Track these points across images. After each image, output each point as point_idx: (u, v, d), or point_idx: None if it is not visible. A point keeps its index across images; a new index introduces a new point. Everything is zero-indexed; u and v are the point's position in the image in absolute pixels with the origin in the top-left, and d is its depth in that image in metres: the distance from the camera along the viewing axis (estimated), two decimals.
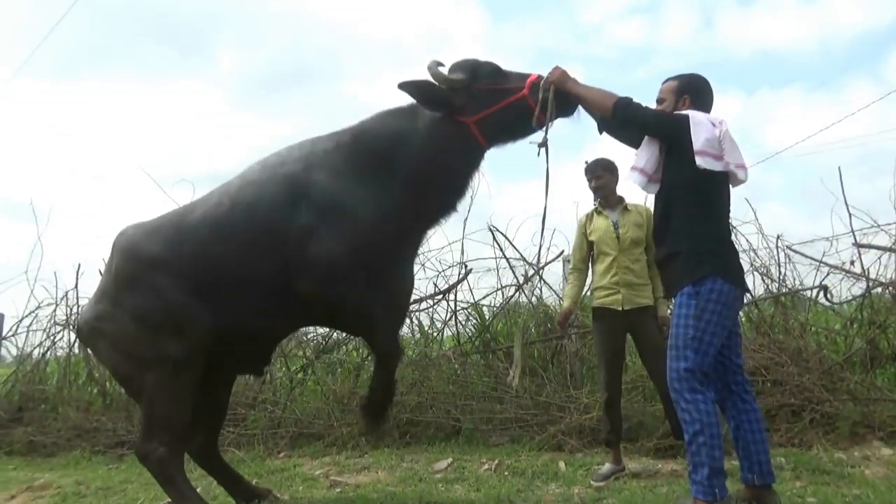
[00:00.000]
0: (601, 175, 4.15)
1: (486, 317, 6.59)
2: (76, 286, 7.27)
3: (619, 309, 3.99)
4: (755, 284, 5.83)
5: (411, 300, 3.72)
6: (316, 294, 3.08)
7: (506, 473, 4.27)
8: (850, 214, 5.33)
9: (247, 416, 5.85)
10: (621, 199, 4.20)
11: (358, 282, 3.06)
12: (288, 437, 5.58)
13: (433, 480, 4.24)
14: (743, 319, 5.66)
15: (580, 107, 3.18)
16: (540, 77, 3.08)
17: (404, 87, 3.03)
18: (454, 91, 3.07)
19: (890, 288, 5.35)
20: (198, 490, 3.38)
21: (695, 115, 3.03)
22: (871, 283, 5.39)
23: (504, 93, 3.08)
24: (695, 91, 3.20)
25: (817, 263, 5.60)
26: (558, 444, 4.84)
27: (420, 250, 3.57)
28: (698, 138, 2.94)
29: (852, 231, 5.33)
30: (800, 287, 5.79)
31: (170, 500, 3.26)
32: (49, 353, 7.50)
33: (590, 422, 4.82)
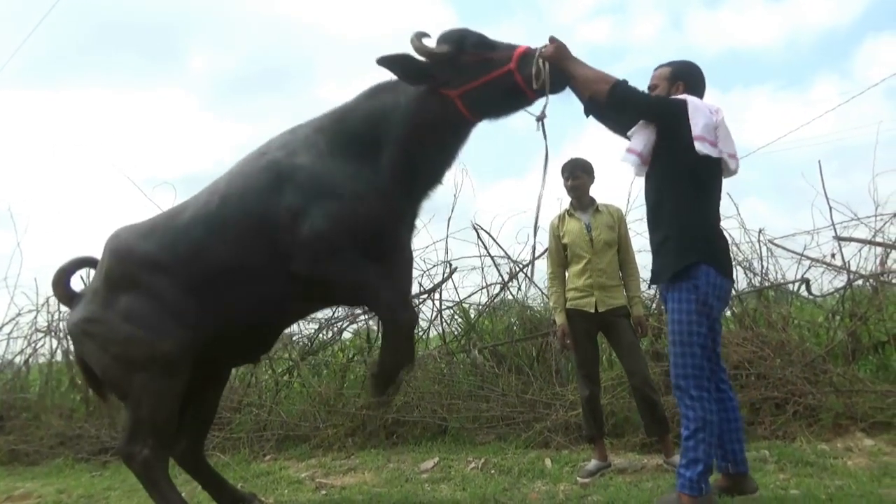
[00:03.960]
0: (578, 176, 4.15)
1: (472, 315, 6.58)
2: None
3: (593, 311, 4.00)
4: (738, 278, 5.86)
5: (412, 271, 3.62)
6: (310, 272, 3.03)
7: (492, 472, 4.27)
8: (830, 208, 5.39)
9: (232, 419, 5.80)
10: (593, 201, 4.20)
11: (348, 255, 3.00)
12: (274, 439, 5.54)
13: (419, 480, 4.24)
14: (727, 314, 5.69)
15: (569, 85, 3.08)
16: (529, 49, 2.94)
17: (382, 61, 2.93)
18: (437, 64, 2.94)
19: (871, 280, 5.40)
20: (182, 495, 3.35)
21: (693, 101, 2.99)
22: (851, 276, 5.44)
23: (489, 64, 2.93)
24: (689, 77, 3.17)
25: (799, 257, 5.65)
26: (545, 442, 4.85)
27: (416, 224, 3.49)
28: (697, 123, 2.91)
29: (833, 224, 5.38)
30: (782, 280, 5.83)
31: None
32: (31, 360, 7.41)
33: (576, 418, 4.82)
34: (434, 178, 3.24)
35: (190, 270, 3.16)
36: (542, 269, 5.68)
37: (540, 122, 3.06)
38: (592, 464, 4.04)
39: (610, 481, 3.82)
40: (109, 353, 3.25)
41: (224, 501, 3.62)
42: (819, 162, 5.46)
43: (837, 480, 3.46)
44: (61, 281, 3.55)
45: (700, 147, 2.88)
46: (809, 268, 5.64)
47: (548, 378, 5.49)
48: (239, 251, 3.11)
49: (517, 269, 6.30)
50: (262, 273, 3.11)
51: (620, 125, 3.20)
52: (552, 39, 2.95)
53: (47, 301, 7.24)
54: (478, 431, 5.17)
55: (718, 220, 3.17)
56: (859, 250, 5.51)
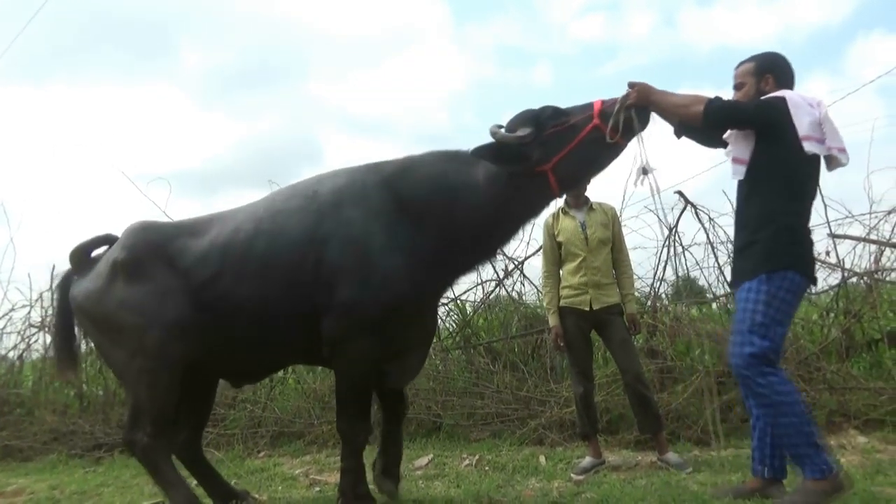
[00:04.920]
0: None
1: (467, 312, 6.57)
2: (51, 287, 7.14)
3: (587, 309, 4.00)
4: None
5: (430, 342, 3.60)
6: (336, 339, 3.02)
7: (486, 469, 4.27)
8: (825, 205, 5.37)
9: (226, 415, 5.80)
10: (587, 199, 4.20)
11: (369, 337, 2.99)
12: (268, 436, 5.54)
13: (413, 477, 4.23)
14: (724, 312, 5.71)
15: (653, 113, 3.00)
16: (605, 102, 2.92)
17: (480, 153, 2.92)
18: (526, 146, 2.90)
19: (865, 278, 5.41)
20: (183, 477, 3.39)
21: (792, 98, 2.88)
22: (846, 273, 5.44)
23: (573, 129, 2.90)
24: (776, 69, 3.05)
25: None
26: (539, 439, 4.86)
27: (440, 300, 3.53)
28: (802, 123, 2.81)
29: (827, 222, 5.38)
30: None
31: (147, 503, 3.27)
32: (24, 355, 7.37)
33: (570, 415, 4.82)
34: (487, 255, 3.24)
35: (202, 290, 3.16)
36: (536, 265, 5.68)
37: (645, 176, 3.04)
38: (586, 461, 4.05)
39: (604, 478, 3.82)
40: (106, 336, 3.34)
41: (217, 497, 3.61)
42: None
43: None
44: (79, 253, 3.54)
45: (809, 147, 2.80)
46: None
47: (542, 375, 5.50)
48: (256, 289, 3.09)
49: (512, 265, 6.30)
50: (275, 317, 3.09)
51: (715, 139, 3.13)
52: (632, 84, 2.91)
53: (41, 296, 7.21)
54: (472, 428, 5.18)
55: (809, 219, 3.05)
56: (854, 248, 5.52)
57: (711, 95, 2.95)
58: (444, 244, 3.00)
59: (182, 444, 3.60)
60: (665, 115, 3.04)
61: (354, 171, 3.22)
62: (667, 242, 5.81)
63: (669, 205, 5.76)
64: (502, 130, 2.94)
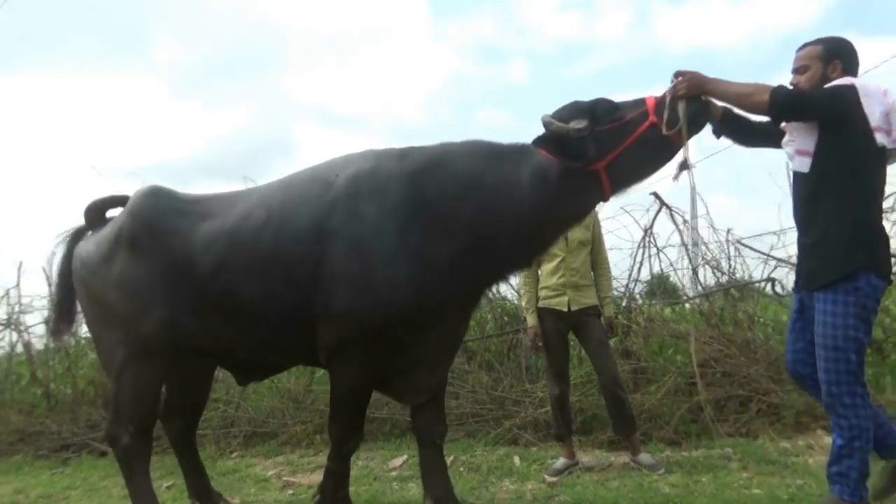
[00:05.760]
0: None
1: None
2: (17, 284, 6.99)
3: (565, 310, 4.02)
4: (706, 277, 5.95)
5: (450, 358, 3.27)
6: (328, 346, 2.84)
7: (461, 469, 4.27)
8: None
9: None
10: None
11: (365, 350, 2.79)
12: (241, 436, 5.48)
13: (388, 478, 4.22)
14: (696, 312, 5.78)
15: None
16: (658, 97, 2.69)
17: (541, 143, 2.64)
18: (583, 140, 2.61)
19: None
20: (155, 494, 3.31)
21: (862, 86, 2.66)
22: None
23: (629, 126, 2.64)
24: (845, 54, 2.80)
25: (765, 257, 5.73)
26: (514, 439, 4.87)
27: (473, 315, 3.23)
28: (873, 113, 2.61)
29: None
30: (749, 280, 5.92)
31: None
32: None
33: (545, 415, 4.84)
34: (524, 262, 3.01)
35: (205, 279, 2.94)
36: None
37: (684, 171, 2.79)
38: (560, 462, 4.07)
39: (577, 480, 3.84)
40: (95, 311, 3.22)
41: (193, 493, 3.58)
42: (787, 163, 5.51)
43: (798, 479, 3.53)
44: (94, 210, 3.41)
45: (880, 139, 2.61)
46: (776, 267, 5.72)
47: (518, 375, 5.51)
48: (260, 285, 2.87)
49: None
50: (277, 318, 2.88)
51: (758, 139, 2.99)
52: (679, 73, 2.69)
53: (7, 293, 7.06)
54: (447, 428, 5.16)
55: (881, 215, 2.84)
56: None
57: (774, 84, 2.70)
58: (470, 251, 2.72)
59: (176, 434, 3.55)
60: (719, 108, 2.81)
61: (381, 156, 2.90)
62: (642, 244, 5.86)
63: (644, 206, 5.81)
64: (553, 120, 2.65)
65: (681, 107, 2.61)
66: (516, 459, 4.39)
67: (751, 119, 2.89)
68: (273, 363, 3.34)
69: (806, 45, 2.85)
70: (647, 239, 5.86)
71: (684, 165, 2.75)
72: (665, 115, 2.61)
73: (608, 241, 4.57)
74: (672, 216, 5.77)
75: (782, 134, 2.85)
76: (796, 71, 2.85)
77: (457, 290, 2.82)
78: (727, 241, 5.87)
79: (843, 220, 2.66)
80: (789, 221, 5.55)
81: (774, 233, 5.62)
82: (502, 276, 3.05)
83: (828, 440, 4.37)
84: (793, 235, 5.54)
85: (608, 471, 4.03)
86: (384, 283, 2.67)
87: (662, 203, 5.76)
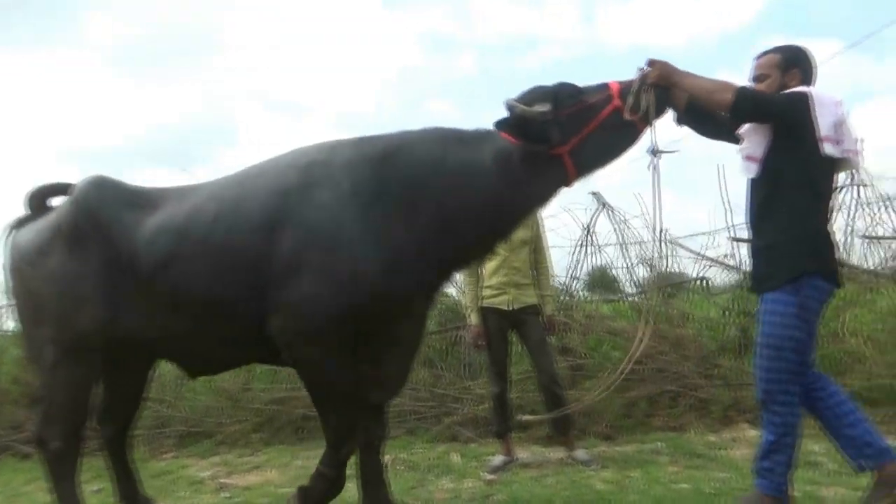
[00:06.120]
0: None
1: None
2: None
3: (507, 309, 4.07)
4: (642, 276, 6.12)
5: (417, 348, 3.12)
6: (285, 344, 2.69)
7: (400, 468, 4.27)
8: (728, 210, 5.68)
9: None
10: None
11: (332, 343, 2.66)
12: (175, 436, 5.36)
13: None
14: (632, 311, 5.94)
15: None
16: (623, 82, 2.69)
17: (503, 127, 2.61)
18: (546, 124, 2.59)
19: None
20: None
21: (817, 95, 2.71)
22: (745, 275, 5.78)
23: (592, 109, 2.64)
24: (803, 64, 2.86)
25: (698, 256, 5.94)
26: (453, 435, 4.93)
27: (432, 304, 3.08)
28: (824, 122, 2.66)
29: (729, 226, 5.69)
30: (683, 279, 6.13)
31: None
32: None
33: (484, 412, 4.90)
34: (487, 248, 2.91)
35: (151, 276, 2.81)
36: None
37: (655, 157, 2.80)
38: (498, 459, 4.13)
39: (514, 477, 3.91)
40: (27, 304, 3.08)
41: (124, 495, 3.45)
42: (719, 166, 5.74)
43: (723, 473, 3.68)
44: (36, 197, 3.24)
45: (828, 149, 2.67)
46: (708, 267, 5.95)
47: (458, 371, 5.56)
48: (211, 280, 2.75)
49: None
50: (231, 314, 2.76)
51: (722, 131, 2.98)
52: (652, 62, 2.72)
53: None
54: (387, 426, 5.16)
55: (829, 222, 2.91)
56: None
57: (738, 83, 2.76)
58: (436, 236, 2.66)
59: (109, 437, 3.40)
60: (684, 98, 2.82)
61: (336, 145, 2.84)
62: (581, 242, 5.99)
63: (584, 205, 5.93)
64: (517, 103, 2.62)
65: (648, 93, 2.64)
66: (455, 457, 4.43)
67: (713, 111, 2.91)
68: (228, 357, 3.18)
69: (765, 53, 2.91)
70: (587, 237, 6.00)
71: (655, 152, 2.77)
72: (630, 100, 2.62)
73: (549, 239, 4.65)
74: (610, 216, 5.91)
75: (741, 137, 2.89)
76: (756, 79, 2.90)
77: (425, 277, 2.77)
78: (662, 240, 6.05)
79: (794, 226, 2.72)
80: (720, 222, 5.82)
81: (706, 233, 5.83)
82: (467, 263, 3.03)
83: (751, 433, 4.59)
84: (723, 235, 5.83)
85: (544, 467, 4.11)
86: (347, 268, 2.59)
87: (602, 203, 5.90)
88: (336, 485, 2.84)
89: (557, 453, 4.33)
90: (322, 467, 2.83)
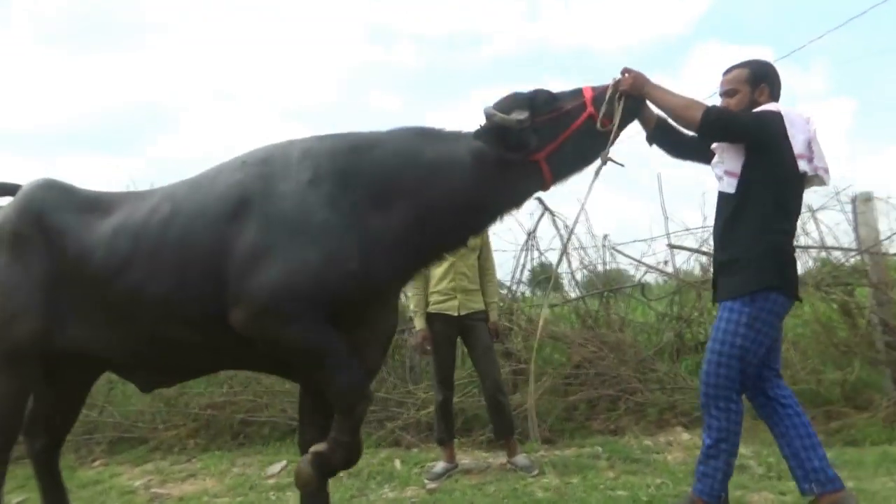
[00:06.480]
0: None
1: None
2: None
3: (455, 315, 4.07)
4: (583, 281, 6.25)
5: (387, 343, 3.07)
6: (251, 332, 2.56)
7: (341, 475, 4.21)
8: (665, 218, 5.86)
9: None
10: None
11: (310, 322, 2.54)
12: (105, 442, 5.15)
13: (265, 487, 4.12)
14: (573, 315, 6.05)
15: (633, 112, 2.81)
16: (596, 89, 2.74)
17: (481, 136, 2.61)
18: (524, 132, 2.62)
19: (696, 285, 5.96)
20: None
21: (787, 114, 2.78)
22: (680, 281, 5.97)
23: (567, 117, 2.69)
24: (771, 79, 2.91)
25: (637, 263, 6.10)
26: (396, 440, 4.91)
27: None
28: (797, 141, 2.73)
29: (667, 234, 5.86)
30: (622, 284, 6.28)
31: None
32: None
33: (427, 417, 4.91)
34: (459, 242, 2.86)
35: (105, 282, 2.69)
36: None
37: (604, 164, 2.79)
38: (440, 466, 4.14)
39: (456, 484, 3.93)
40: None
41: None
42: (658, 175, 5.91)
43: (658, 478, 3.78)
44: None
45: (803, 166, 2.73)
46: (646, 273, 6.11)
47: (402, 375, 5.54)
48: (170, 282, 2.63)
49: None
50: (192, 316, 2.64)
51: (688, 152, 3.03)
52: (626, 70, 2.76)
53: None
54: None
55: (794, 237, 3.00)
56: (688, 258, 6.07)
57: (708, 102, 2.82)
58: (412, 226, 2.65)
59: (39, 450, 3.20)
60: (654, 117, 2.90)
61: (295, 141, 2.81)
62: (525, 247, 6.06)
63: (528, 210, 5.99)
64: (493, 111, 2.62)
65: (620, 102, 2.70)
66: (397, 463, 4.42)
67: (684, 132, 2.97)
68: (187, 366, 3.03)
69: (732, 68, 2.94)
70: (530, 242, 6.07)
71: (604, 160, 2.77)
72: (603, 109, 2.68)
73: (493, 243, 4.67)
74: (554, 222, 6.00)
75: (713, 153, 2.93)
76: (725, 94, 2.93)
77: (401, 268, 2.75)
78: (603, 246, 6.19)
79: (759, 242, 2.76)
80: (659, 230, 6.00)
81: (645, 240, 5.99)
82: (440, 256, 2.97)
83: (685, 437, 4.76)
84: (661, 243, 6.00)
85: (486, 473, 4.15)
86: (318, 250, 2.52)
87: (546, 208, 5.98)
88: (353, 451, 2.69)
89: (499, 458, 4.37)
90: (336, 434, 2.64)
